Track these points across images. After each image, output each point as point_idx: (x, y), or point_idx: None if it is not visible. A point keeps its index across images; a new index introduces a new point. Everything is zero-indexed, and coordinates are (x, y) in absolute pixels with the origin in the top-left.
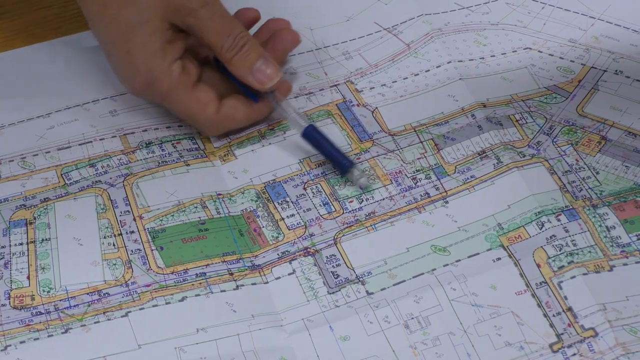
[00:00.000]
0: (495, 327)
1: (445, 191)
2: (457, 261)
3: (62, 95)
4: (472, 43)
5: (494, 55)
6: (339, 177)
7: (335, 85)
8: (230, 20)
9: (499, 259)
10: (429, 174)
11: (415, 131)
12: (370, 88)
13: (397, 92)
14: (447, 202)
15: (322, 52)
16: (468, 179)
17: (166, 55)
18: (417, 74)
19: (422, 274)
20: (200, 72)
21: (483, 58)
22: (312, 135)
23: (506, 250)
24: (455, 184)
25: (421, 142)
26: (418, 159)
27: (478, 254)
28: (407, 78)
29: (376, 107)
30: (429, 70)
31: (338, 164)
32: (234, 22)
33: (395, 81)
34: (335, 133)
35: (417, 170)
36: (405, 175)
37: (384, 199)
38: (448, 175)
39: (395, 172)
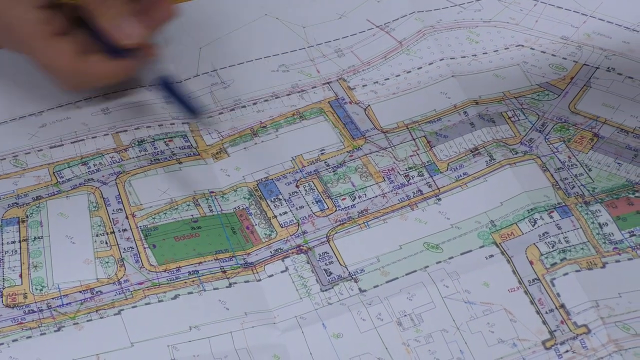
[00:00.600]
0: (488, 324)
1: (438, 188)
2: (449, 258)
3: (54, 94)
4: (465, 40)
5: (486, 53)
6: (332, 175)
7: (328, 83)
8: None
9: (491, 256)
10: (421, 172)
11: (408, 128)
12: (363, 85)
13: (390, 89)
14: (439, 199)
15: (314, 49)
16: (460, 176)
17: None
18: (410, 71)
19: (415, 271)
20: (65, 28)
21: (475, 55)
22: (167, 84)
23: (499, 247)
24: (448, 181)
25: (414, 139)
26: (410, 156)
27: (471, 251)
28: (399, 75)
29: (369, 105)
30: (421, 68)
31: (185, 110)
32: None
33: (388, 78)
34: (328, 130)
35: (410, 168)
36: (398, 172)
37: (376, 197)
38: (440, 172)
39: (388, 170)
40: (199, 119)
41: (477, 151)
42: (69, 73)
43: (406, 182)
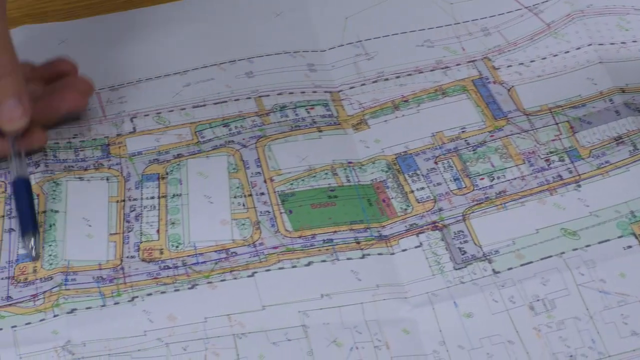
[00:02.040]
0: (622, 316)
1: (579, 175)
2: (586, 246)
3: (200, 54)
4: (614, 27)
5: (635, 41)
6: (472, 153)
7: (472, 61)
8: (3, 47)
9: (629, 247)
10: (562, 157)
11: (551, 112)
12: (508, 66)
13: (535, 71)
14: (579, 185)
15: (460, 26)
16: (602, 164)
17: None
18: (556, 55)
19: (551, 256)
20: None
21: (625, 43)
22: (19, 188)
23: (637, 238)
24: (589, 168)
25: (556, 123)
26: (552, 140)
27: (609, 240)
28: (545, 58)
29: (512, 86)
30: (568, 52)
31: (21, 223)
32: (7, 51)
33: (533, 61)
34: (470, 109)
35: (551, 152)
36: (539, 156)
37: (515, 179)
38: (582, 158)
39: (529, 153)
40: (24, 239)
41: (620, 140)
42: None
43: (546, 166)
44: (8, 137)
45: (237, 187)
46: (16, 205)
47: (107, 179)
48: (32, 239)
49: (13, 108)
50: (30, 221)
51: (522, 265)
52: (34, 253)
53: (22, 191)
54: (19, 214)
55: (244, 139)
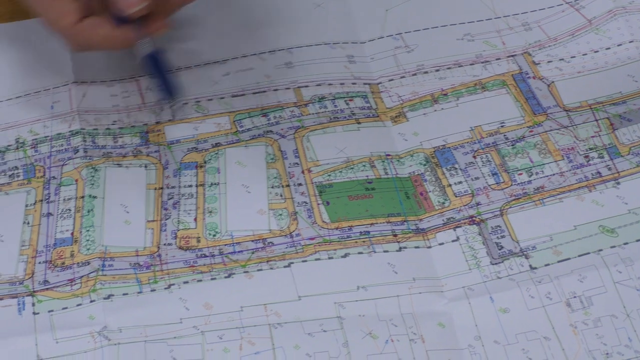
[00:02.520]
0: None
1: (618, 172)
2: (624, 244)
3: (240, 43)
4: None
5: None
6: (510, 148)
7: (512, 56)
8: None
9: None
10: (602, 153)
11: (591, 109)
12: (548, 61)
13: (575, 67)
14: (618, 183)
15: (501, 20)
16: None
17: None
18: (597, 51)
19: (588, 253)
20: None
21: None
22: (148, 62)
23: None
24: (629, 166)
25: (596, 120)
26: (592, 137)
27: None
28: (586, 54)
29: (552, 81)
30: (609, 48)
31: (163, 89)
32: None
33: (574, 56)
34: (509, 103)
35: (590, 149)
36: (578, 152)
37: (554, 175)
38: (622, 156)
39: (568, 149)
40: (171, 101)
41: None
42: (70, 34)
43: (585, 163)
44: (134, 20)
45: (275, 177)
46: (153, 75)
47: (146, 166)
48: (176, 103)
49: None
50: (168, 88)
51: (559, 261)
52: (178, 114)
53: (152, 63)
54: (158, 82)
55: (282, 129)
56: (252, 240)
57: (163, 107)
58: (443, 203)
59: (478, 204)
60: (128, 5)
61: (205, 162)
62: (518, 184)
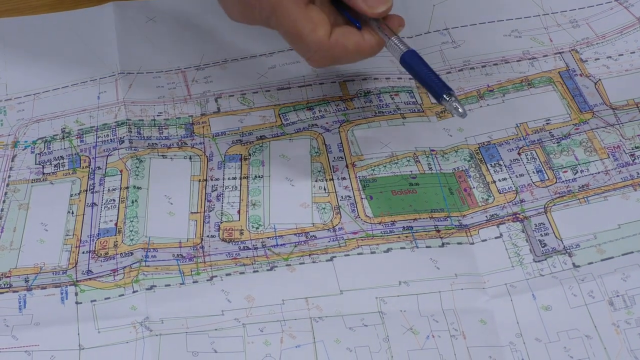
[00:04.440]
0: None
1: None
2: None
3: None
4: None
5: None
6: (555, 146)
7: (560, 53)
8: None
9: None
10: None
11: (638, 107)
12: (595, 59)
13: (623, 65)
14: None
15: (549, 17)
16: None
17: None
18: None
19: (632, 252)
20: None
21: None
22: (410, 61)
23: None
24: None
25: None
26: (638, 135)
27: None
28: (634, 52)
29: (599, 79)
30: None
31: (434, 91)
32: None
33: (622, 54)
34: (555, 101)
35: (636, 147)
36: (624, 150)
37: (599, 173)
38: None
39: (614, 147)
40: (443, 102)
41: None
42: (326, 47)
43: (631, 162)
44: (374, 24)
45: (319, 171)
46: (417, 75)
47: (190, 158)
48: (453, 97)
49: None
50: (440, 82)
51: (602, 260)
52: (461, 110)
53: (415, 61)
54: (425, 80)
55: (327, 123)
56: (295, 234)
57: (444, 106)
58: (487, 199)
59: (522, 201)
60: (374, 6)
61: (249, 155)
62: (563, 181)
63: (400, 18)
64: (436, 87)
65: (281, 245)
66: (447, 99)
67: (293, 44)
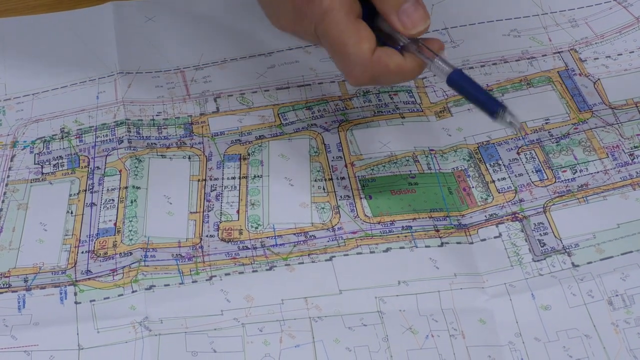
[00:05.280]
0: None
1: None
2: None
3: (285, 36)
4: None
5: None
6: (555, 145)
7: (559, 52)
8: None
9: None
10: None
11: (637, 107)
12: (594, 59)
13: (622, 65)
14: None
15: (548, 17)
16: None
17: None
18: None
19: (631, 252)
20: (360, 14)
21: None
22: (459, 81)
23: None
24: None
25: None
26: (637, 135)
27: None
28: (633, 52)
29: (598, 79)
30: None
31: (487, 108)
32: None
33: (621, 54)
34: (554, 100)
35: (636, 147)
36: (623, 150)
37: (598, 172)
38: None
39: (613, 146)
40: (497, 119)
41: None
42: (368, 62)
43: (630, 161)
44: (412, 47)
45: (318, 171)
46: (467, 94)
47: (189, 158)
48: (506, 112)
49: (413, 11)
50: (492, 99)
51: (602, 259)
52: (516, 124)
53: (464, 79)
54: (477, 98)
55: (326, 123)
56: (294, 233)
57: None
58: (486, 199)
59: (521, 200)
60: (408, 26)
61: (248, 155)
62: (562, 181)
63: (439, 42)
64: (489, 104)
65: (280, 245)
66: (502, 114)
67: (335, 55)
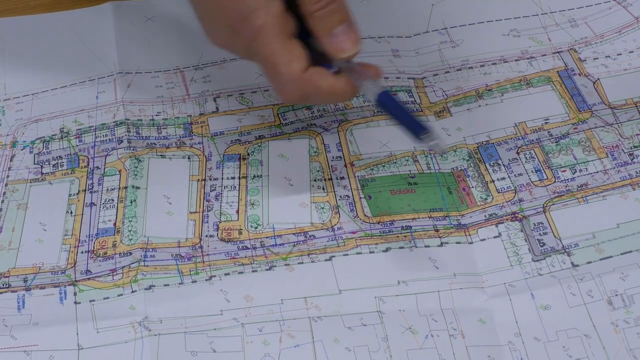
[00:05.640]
0: None
1: None
2: None
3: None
4: None
5: None
6: (554, 145)
7: (558, 52)
8: None
9: None
10: None
11: (637, 106)
12: (594, 58)
13: (621, 65)
14: None
15: (547, 17)
16: None
17: None
18: None
19: (631, 251)
20: (295, 32)
21: None
22: (386, 102)
23: None
24: None
25: None
26: (637, 134)
27: None
28: (632, 52)
29: (598, 78)
30: None
31: (412, 129)
32: None
33: (620, 54)
34: (554, 100)
35: (635, 147)
36: (622, 150)
37: (597, 172)
38: None
39: (612, 146)
40: (422, 141)
41: None
42: (298, 81)
43: (629, 161)
44: (344, 67)
45: (318, 171)
46: (394, 115)
47: (189, 158)
48: (430, 135)
49: (345, 35)
50: (415, 122)
51: (601, 259)
52: (442, 146)
53: (390, 101)
54: (402, 121)
55: (325, 123)
56: (294, 233)
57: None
58: (485, 199)
59: (521, 200)
60: (339, 50)
61: (248, 155)
62: (561, 180)
63: (377, 68)
64: (413, 126)
65: (280, 244)
66: (425, 137)
67: (267, 73)
